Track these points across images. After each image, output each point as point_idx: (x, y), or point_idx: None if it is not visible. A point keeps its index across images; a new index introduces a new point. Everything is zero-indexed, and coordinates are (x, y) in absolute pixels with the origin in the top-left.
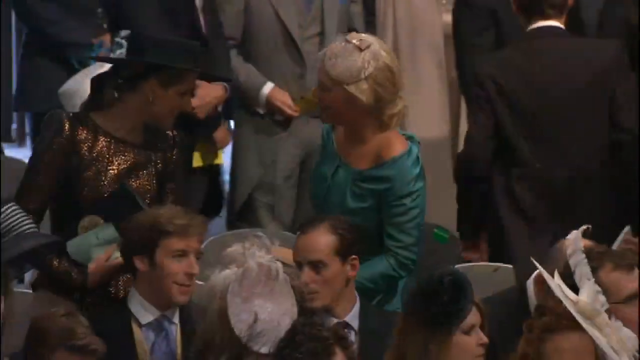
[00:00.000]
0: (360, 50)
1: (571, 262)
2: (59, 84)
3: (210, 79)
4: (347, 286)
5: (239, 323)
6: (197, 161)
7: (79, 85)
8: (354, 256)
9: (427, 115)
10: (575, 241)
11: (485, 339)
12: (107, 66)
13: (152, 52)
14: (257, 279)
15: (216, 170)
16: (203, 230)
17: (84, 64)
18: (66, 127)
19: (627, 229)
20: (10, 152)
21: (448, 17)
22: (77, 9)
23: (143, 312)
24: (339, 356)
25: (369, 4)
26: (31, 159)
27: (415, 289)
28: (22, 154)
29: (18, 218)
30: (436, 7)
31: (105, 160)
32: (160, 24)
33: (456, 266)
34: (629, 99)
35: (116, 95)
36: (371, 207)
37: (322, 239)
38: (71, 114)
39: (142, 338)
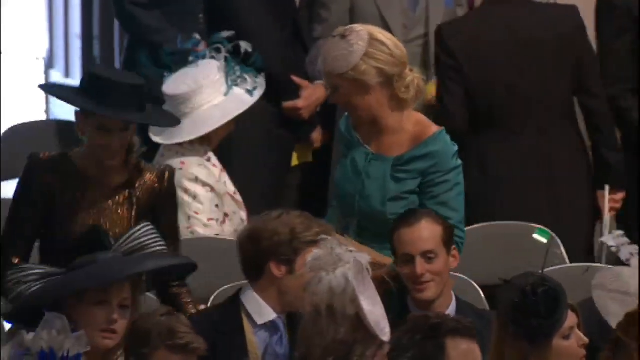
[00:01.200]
0: (344, 37)
1: None
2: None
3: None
4: (447, 285)
5: (373, 319)
6: (293, 160)
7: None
8: (454, 247)
9: None
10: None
11: (585, 339)
12: (210, 66)
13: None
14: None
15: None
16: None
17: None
18: (44, 167)
19: (607, 188)
20: None
21: None
22: (179, 15)
23: (259, 312)
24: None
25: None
26: (13, 198)
27: (508, 302)
28: None
29: (151, 237)
30: None
31: (79, 200)
32: (266, 24)
33: (545, 270)
34: (595, 66)
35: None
36: (414, 191)
37: (432, 229)
38: (50, 155)
39: (255, 339)
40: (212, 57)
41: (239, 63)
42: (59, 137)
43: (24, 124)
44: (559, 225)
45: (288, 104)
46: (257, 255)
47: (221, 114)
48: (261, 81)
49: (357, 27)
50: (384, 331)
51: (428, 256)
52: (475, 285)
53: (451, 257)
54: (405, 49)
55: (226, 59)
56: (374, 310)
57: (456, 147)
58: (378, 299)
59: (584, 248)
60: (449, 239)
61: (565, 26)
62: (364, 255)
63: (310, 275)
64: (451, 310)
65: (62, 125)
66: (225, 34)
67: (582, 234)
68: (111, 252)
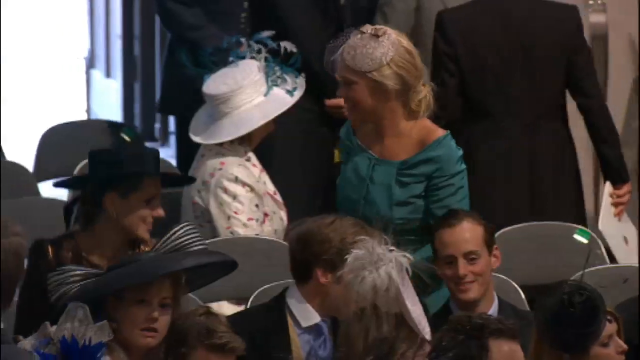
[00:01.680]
0: (377, 37)
1: None
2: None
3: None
4: (489, 286)
5: (415, 317)
6: (337, 157)
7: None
8: (495, 246)
9: None
10: None
11: (624, 346)
12: (250, 66)
13: (106, 166)
14: (405, 274)
15: None
16: None
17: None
18: (50, 252)
19: (607, 185)
20: None
21: (597, 17)
22: (220, 14)
23: (304, 315)
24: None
25: None
26: (22, 286)
27: (546, 312)
28: (164, 153)
29: (192, 236)
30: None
31: None
32: (310, 22)
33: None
34: (590, 67)
35: (83, 217)
36: (420, 195)
37: (473, 230)
38: (55, 239)
39: (299, 341)
40: (253, 57)
41: (279, 63)
42: (99, 137)
43: (64, 124)
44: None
45: (332, 101)
46: (305, 258)
47: (261, 114)
48: (301, 81)
49: (389, 30)
50: (425, 330)
51: (470, 257)
52: (516, 285)
53: (493, 257)
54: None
55: (266, 59)
56: (415, 309)
57: (461, 152)
58: (417, 298)
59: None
60: (490, 239)
61: (563, 26)
62: (404, 255)
63: (351, 275)
64: (493, 310)
65: (102, 125)
66: (266, 33)
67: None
68: (152, 251)
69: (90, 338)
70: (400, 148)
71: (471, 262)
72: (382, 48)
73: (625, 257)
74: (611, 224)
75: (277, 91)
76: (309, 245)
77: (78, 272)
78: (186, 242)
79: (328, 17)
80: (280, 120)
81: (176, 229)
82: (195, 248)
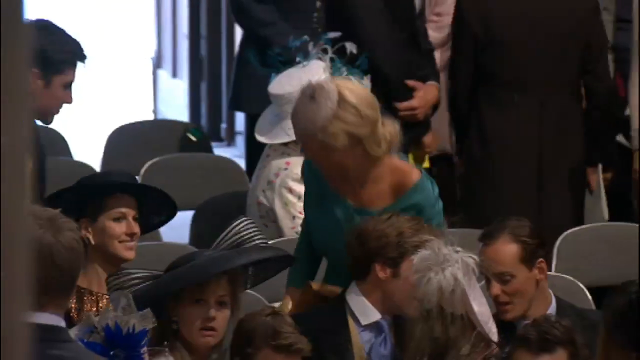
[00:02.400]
0: (312, 97)
1: None
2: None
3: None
4: (539, 288)
5: (482, 319)
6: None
7: (285, 89)
8: (540, 259)
9: None
10: None
11: None
12: (316, 67)
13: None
14: (472, 275)
15: None
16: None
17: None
18: None
19: (599, 167)
20: (219, 151)
21: None
22: (293, 12)
23: (364, 313)
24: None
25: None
26: None
27: (615, 311)
28: (231, 153)
29: (251, 231)
30: None
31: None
32: (383, 26)
33: None
34: (604, 50)
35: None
36: None
37: (505, 250)
38: None
39: (360, 339)
40: (319, 58)
41: (345, 64)
42: (166, 137)
43: (131, 124)
44: (546, 200)
45: (404, 104)
46: (363, 255)
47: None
48: (367, 83)
49: (327, 85)
50: (492, 331)
51: (502, 278)
52: (582, 286)
53: (536, 269)
54: (377, 103)
55: (332, 60)
56: (481, 310)
57: (437, 190)
58: (484, 299)
59: (571, 219)
60: (530, 256)
61: (580, 8)
62: (470, 256)
63: (417, 276)
64: (551, 310)
65: (169, 125)
66: (332, 34)
67: (569, 207)
68: (211, 249)
69: (134, 325)
70: (376, 195)
71: (504, 283)
72: (321, 110)
73: None
74: None
75: None
76: (366, 241)
77: (138, 274)
78: (246, 236)
79: (400, 21)
80: None
81: (235, 224)
82: (255, 242)
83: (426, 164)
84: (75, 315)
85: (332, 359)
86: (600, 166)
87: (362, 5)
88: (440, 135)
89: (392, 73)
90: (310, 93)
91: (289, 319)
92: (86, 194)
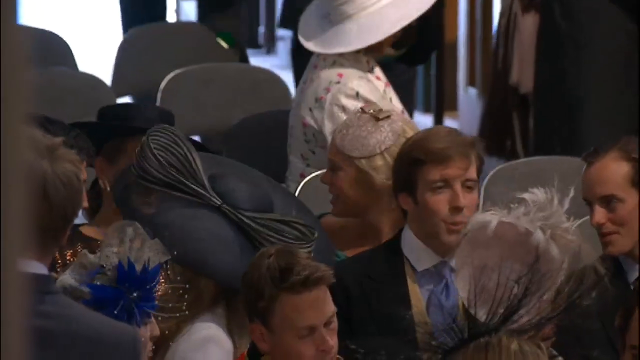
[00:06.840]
0: (377, 120)
1: None
2: None
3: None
4: None
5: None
6: None
7: None
8: None
9: None
10: None
11: None
12: None
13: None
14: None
15: None
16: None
17: None
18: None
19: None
20: (257, 60)
21: None
22: None
23: (419, 257)
24: None
25: None
26: None
27: None
28: (270, 62)
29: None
30: None
31: None
32: None
33: None
34: None
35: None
36: None
37: (614, 169)
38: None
39: (418, 287)
40: None
41: None
42: (190, 43)
43: (147, 27)
44: None
45: None
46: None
47: (398, 15)
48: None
49: (395, 114)
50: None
51: (609, 201)
52: None
53: None
54: None
55: None
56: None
57: None
58: None
59: None
60: None
61: None
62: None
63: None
64: None
65: (194, 28)
66: None
67: None
68: None
69: (149, 259)
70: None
71: (610, 209)
72: (380, 134)
73: None
74: None
75: None
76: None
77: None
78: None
79: None
80: None
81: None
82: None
83: None
84: None
85: (386, 312)
86: None
87: None
88: None
89: None
90: (375, 114)
91: (296, 251)
92: (105, 132)
